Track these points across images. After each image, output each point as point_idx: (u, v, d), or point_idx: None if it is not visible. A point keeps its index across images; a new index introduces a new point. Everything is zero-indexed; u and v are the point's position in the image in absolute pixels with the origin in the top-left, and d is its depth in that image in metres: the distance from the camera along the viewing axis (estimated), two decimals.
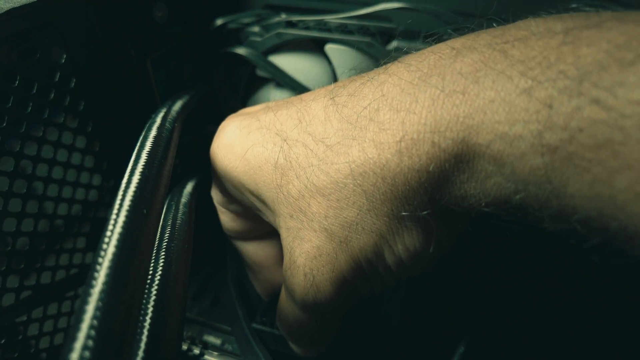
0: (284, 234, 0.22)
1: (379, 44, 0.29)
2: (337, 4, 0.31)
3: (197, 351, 0.29)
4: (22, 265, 0.25)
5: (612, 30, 0.14)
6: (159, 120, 0.23)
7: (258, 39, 0.32)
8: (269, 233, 0.28)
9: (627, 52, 0.13)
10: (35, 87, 0.23)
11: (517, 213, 0.17)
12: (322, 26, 0.31)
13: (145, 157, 0.20)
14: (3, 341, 0.25)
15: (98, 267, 0.14)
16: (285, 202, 0.21)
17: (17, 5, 0.21)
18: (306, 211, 0.20)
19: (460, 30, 0.19)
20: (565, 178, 0.14)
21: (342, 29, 0.30)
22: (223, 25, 0.32)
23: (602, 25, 0.14)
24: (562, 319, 0.29)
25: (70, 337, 0.12)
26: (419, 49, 0.19)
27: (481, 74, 0.16)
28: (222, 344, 0.30)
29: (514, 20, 0.18)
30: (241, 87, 0.35)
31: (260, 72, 0.34)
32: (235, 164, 0.23)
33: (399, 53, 0.21)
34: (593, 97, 0.13)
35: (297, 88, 0.33)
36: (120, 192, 0.17)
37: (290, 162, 0.20)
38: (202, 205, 0.29)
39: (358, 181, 0.18)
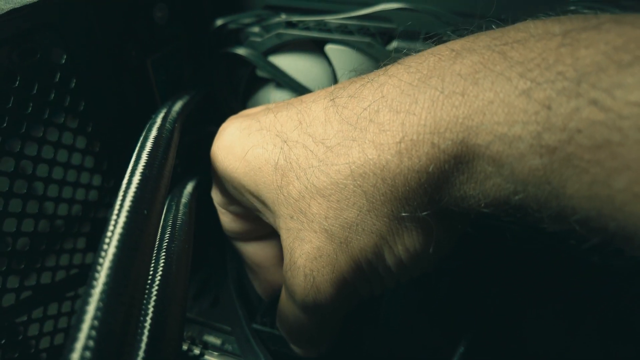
0: (284, 234, 0.22)
1: (379, 44, 0.29)
2: (337, 5, 0.31)
3: (197, 351, 0.29)
4: (23, 266, 0.25)
5: (610, 32, 0.14)
6: (159, 120, 0.23)
7: (258, 39, 0.32)
8: (269, 234, 0.28)
9: (625, 53, 0.13)
10: (36, 87, 0.23)
11: (516, 214, 0.17)
12: (322, 27, 0.31)
13: (146, 158, 0.20)
14: (3, 341, 0.25)
15: (99, 267, 0.14)
16: (285, 203, 0.21)
17: (17, 5, 0.21)
18: (306, 212, 0.20)
19: (460, 31, 0.19)
20: (564, 179, 0.14)
21: (342, 29, 0.30)
22: (223, 26, 0.32)
23: (600, 27, 0.14)
24: (561, 319, 0.30)
25: (71, 338, 0.13)
26: (419, 50, 0.20)
27: (480, 76, 0.16)
28: (222, 344, 0.30)
29: (513, 21, 0.18)
30: (241, 87, 0.35)
31: (260, 73, 0.34)
32: (235, 165, 0.23)
33: (399, 54, 0.21)
34: (591, 98, 0.13)
35: (297, 88, 0.33)
36: (121, 193, 0.17)
37: (290, 163, 0.21)
38: (202, 205, 0.29)
39: (358, 182, 0.19)
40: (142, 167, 0.19)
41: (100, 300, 0.13)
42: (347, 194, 0.19)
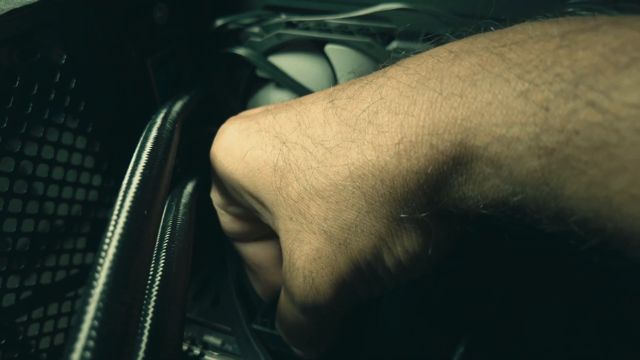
0: (283, 236, 0.22)
1: (379, 44, 0.29)
2: (337, 5, 0.31)
3: (197, 351, 0.29)
4: (23, 266, 0.25)
5: (608, 34, 0.14)
6: (159, 121, 0.23)
7: (258, 39, 0.32)
8: (269, 234, 0.28)
9: (622, 55, 0.13)
10: (36, 87, 0.23)
11: (515, 215, 0.17)
12: (322, 27, 0.31)
13: (146, 158, 0.20)
14: (3, 341, 0.25)
15: (99, 267, 0.14)
16: (284, 205, 0.21)
17: (17, 6, 0.21)
18: (305, 213, 0.20)
19: (458, 33, 0.19)
20: (562, 180, 0.15)
21: (342, 29, 0.30)
22: (223, 26, 0.32)
23: (597, 29, 0.14)
24: (561, 319, 0.30)
25: (72, 338, 0.13)
26: (418, 50, 0.20)
27: (479, 77, 0.16)
28: (222, 344, 0.30)
29: (512, 22, 0.18)
30: (241, 87, 0.35)
31: (260, 73, 0.34)
32: (234, 167, 0.23)
33: (398, 54, 0.21)
34: (589, 99, 0.13)
35: (297, 89, 0.33)
36: (121, 193, 0.17)
37: (289, 164, 0.21)
38: (202, 205, 0.29)
39: (357, 183, 0.19)
40: (142, 168, 0.19)
41: (101, 300, 0.13)
42: (346, 196, 0.19)
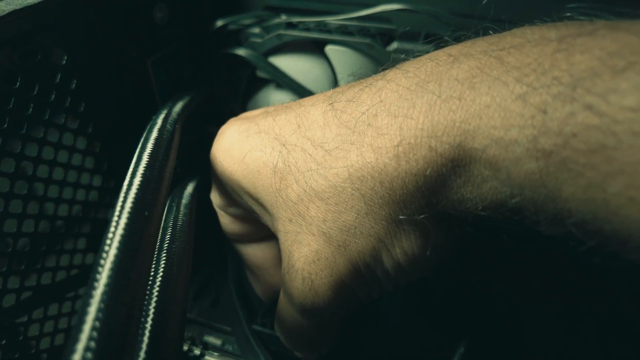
0: (282, 237, 0.22)
1: (379, 45, 0.29)
2: (338, 5, 0.31)
3: (197, 352, 0.29)
4: (23, 266, 0.25)
5: (605, 38, 0.14)
6: (159, 121, 0.23)
7: (258, 40, 0.32)
8: (269, 236, 0.28)
9: (619, 59, 0.13)
10: (36, 88, 0.23)
11: (513, 217, 0.17)
12: (323, 27, 0.31)
13: (147, 159, 0.20)
14: (4, 342, 0.25)
15: (100, 268, 0.14)
16: (284, 206, 0.21)
17: (18, 7, 0.21)
18: (305, 215, 0.20)
19: (457, 36, 0.19)
20: (560, 182, 0.15)
21: (343, 30, 0.30)
22: (223, 27, 0.32)
23: (595, 33, 0.15)
24: (560, 319, 0.30)
25: (72, 338, 0.13)
26: (418, 51, 0.20)
27: (477, 80, 0.16)
28: (223, 344, 0.30)
29: (511, 22, 0.18)
30: (242, 88, 0.35)
31: (260, 74, 0.34)
32: (234, 168, 0.23)
33: (398, 55, 0.21)
34: (586, 103, 0.14)
35: (297, 89, 0.33)
36: (122, 194, 0.17)
37: (289, 166, 0.21)
38: (202, 206, 0.29)
39: (356, 185, 0.19)
40: (143, 169, 0.19)
41: (102, 301, 0.13)
42: (345, 197, 0.19)
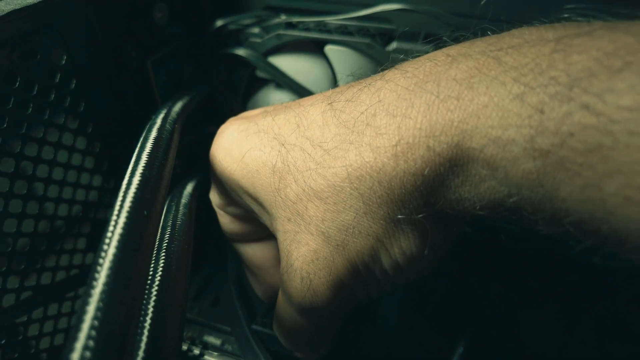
0: (281, 237, 0.22)
1: (379, 45, 0.29)
2: (337, 5, 0.31)
3: (197, 351, 0.29)
4: (23, 266, 0.25)
5: (602, 39, 0.14)
6: (159, 121, 0.23)
7: (258, 40, 0.32)
8: (268, 235, 0.28)
9: (616, 59, 0.13)
10: (36, 88, 0.23)
11: (511, 216, 0.17)
12: (322, 27, 0.31)
13: (146, 159, 0.20)
14: (3, 341, 0.25)
15: (99, 268, 0.14)
16: (283, 206, 0.21)
17: (17, 7, 0.21)
18: (303, 214, 0.20)
19: (456, 36, 0.19)
20: (557, 182, 0.15)
21: (342, 30, 0.30)
22: (223, 27, 0.32)
23: (592, 33, 0.15)
24: (559, 319, 0.30)
25: (72, 338, 0.13)
26: (418, 51, 0.20)
27: (475, 80, 0.16)
28: (222, 344, 0.30)
29: (510, 23, 0.18)
30: (241, 88, 0.35)
31: (260, 73, 0.34)
32: (233, 167, 0.23)
33: (397, 55, 0.21)
34: (583, 102, 0.14)
35: (297, 89, 0.33)
36: (121, 194, 0.17)
37: (288, 166, 0.21)
38: (202, 205, 0.29)
39: (355, 185, 0.19)
40: (142, 168, 0.19)
41: (101, 300, 0.13)
42: (344, 197, 0.19)
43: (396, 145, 0.18)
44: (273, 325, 0.26)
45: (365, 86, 0.20)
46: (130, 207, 0.17)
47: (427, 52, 0.19)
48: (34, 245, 0.26)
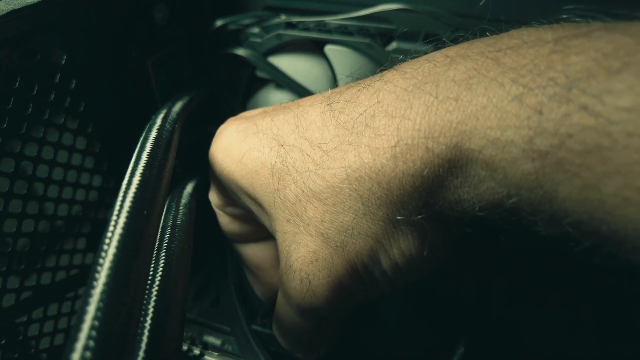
0: (280, 238, 0.22)
1: (379, 45, 0.29)
2: (337, 5, 0.31)
3: (197, 351, 0.29)
4: (23, 266, 0.25)
5: (601, 40, 0.14)
6: (159, 121, 0.23)
7: (258, 40, 0.32)
8: (268, 236, 0.28)
9: (614, 60, 0.14)
10: (36, 88, 0.23)
11: (511, 217, 0.17)
12: (322, 27, 0.31)
13: (146, 159, 0.20)
14: (3, 341, 0.25)
15: (99, 268, 0.14)
16: (282, 206, 0.21)
17: (17, 7, 0.21)
18: (302, 215, 0.20)
19: (455, 37, 0.19)
20: (556, 183, 0.15)
21: (342, 30, 0.30)
22: (223, 27, 0.32)
23: (591, 34, 0.15)
24: (559, 319, 0.30)
25: (72, 338, 0.13)
26: (418, 51, 0.20)
27: (474, 81, 0.16)
28: (222, 344, 0.30)
29: (510, 23, 0.18)
30: (241, 88, 0.35)
31: (260, 73, 0.34)
32: (232, 168, 0.23)
33: (397, 55, 0.21)
34: (582, 103, 0.14)
35: (297, 89, 0.33)
36: (121, 194, 0.17)
37: (287, 166, 0.21)
38: (202, 206, 0.29)
39: (354, 186, 0.19)
40: (142, 168, 0.19)
41: (101, 300, 0.13)
42: (343, 198, 0.19)
43: (395, 147, 0.18)
44: (272, 326, 0.26)
45: (364, 87, 0.20)
46: (130, 207, 0.17)
47: (426, 53, 0.19)
48: (34, 245, 0.26)
